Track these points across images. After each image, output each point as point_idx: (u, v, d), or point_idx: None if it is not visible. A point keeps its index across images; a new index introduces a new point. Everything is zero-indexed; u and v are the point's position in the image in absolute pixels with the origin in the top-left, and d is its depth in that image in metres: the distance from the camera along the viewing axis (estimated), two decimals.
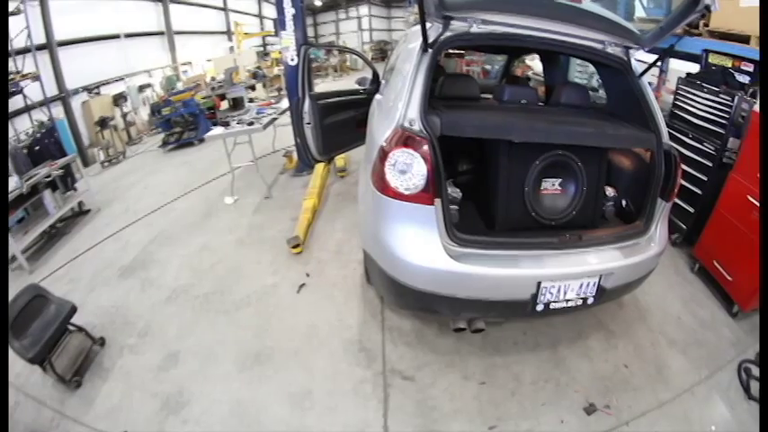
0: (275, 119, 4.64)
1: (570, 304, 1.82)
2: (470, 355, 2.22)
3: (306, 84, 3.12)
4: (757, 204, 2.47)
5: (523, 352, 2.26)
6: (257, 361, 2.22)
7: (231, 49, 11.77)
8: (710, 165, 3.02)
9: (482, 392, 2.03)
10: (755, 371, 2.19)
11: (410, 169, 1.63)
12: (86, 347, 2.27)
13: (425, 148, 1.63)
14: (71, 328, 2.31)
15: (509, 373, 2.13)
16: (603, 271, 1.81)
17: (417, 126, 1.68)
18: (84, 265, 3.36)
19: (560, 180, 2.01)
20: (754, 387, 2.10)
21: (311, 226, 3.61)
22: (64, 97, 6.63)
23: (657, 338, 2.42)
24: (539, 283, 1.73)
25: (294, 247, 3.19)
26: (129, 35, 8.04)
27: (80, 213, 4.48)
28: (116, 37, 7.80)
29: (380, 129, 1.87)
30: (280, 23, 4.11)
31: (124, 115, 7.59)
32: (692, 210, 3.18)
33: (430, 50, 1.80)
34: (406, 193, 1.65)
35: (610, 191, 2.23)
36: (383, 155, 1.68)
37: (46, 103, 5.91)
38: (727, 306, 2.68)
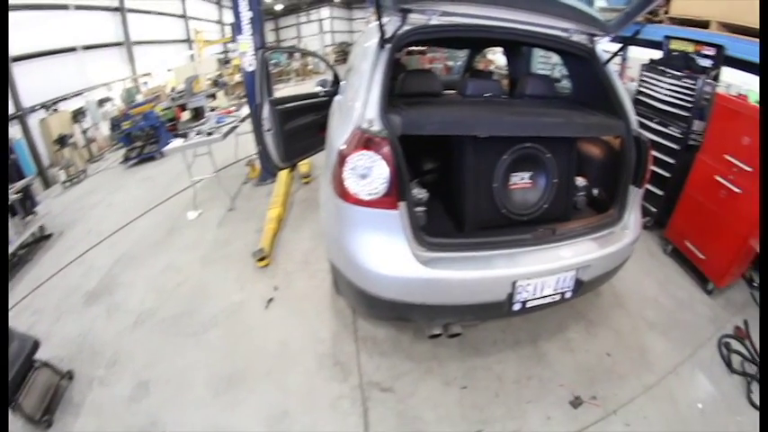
0: (235, 127, 4.48)
1: (548, 300, 1.78)
2: (449, 360, 2.15)
3: (264, 89, 2.98)
4: (726, 184, 2.50)
5: (504, 350, 2.20)
6: (230, 384, 2.11)
7: (192, 57, 11.43)
8: (677, 148, 3.08)
9: (464, 397, 1.96)
10: (735, 345, 2.24)
11: (371, 173, 1.53)
12: (54, 383, 2.14)
13: (386, 149, 1.53)
14: (36, 363, 2.14)
15: (491, 374, 2.06)
16: (580, 264, 1.77)
17: (377, 126, 1.58)
18: (49, 294, 3.19)
19: (530, 173, 1.95)
20: (735, 361, 2.14)
21: (277, 236, 3.50)
22: (21, 116, 6.27)
23: (637, 323, 2.41)
24: (514, 283, 1.67)
25: (260, 260, 3.07)
26: (86, 47, 7.67)
27: (42, 238, 4.22)
28: (73, 50, 7.43)
29: (339, 131, 1.77)
30: (237, 28, 3.96)
31: (84, 131, 7.24)
32: (661, 193, 3.22)
33: (388, 46, 1.70)
34: (368, 198, 1.55)
35: (581, 181, 2.20)
36: (342, 159, 1.57)
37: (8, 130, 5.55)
38: (702, 284, 2.71)
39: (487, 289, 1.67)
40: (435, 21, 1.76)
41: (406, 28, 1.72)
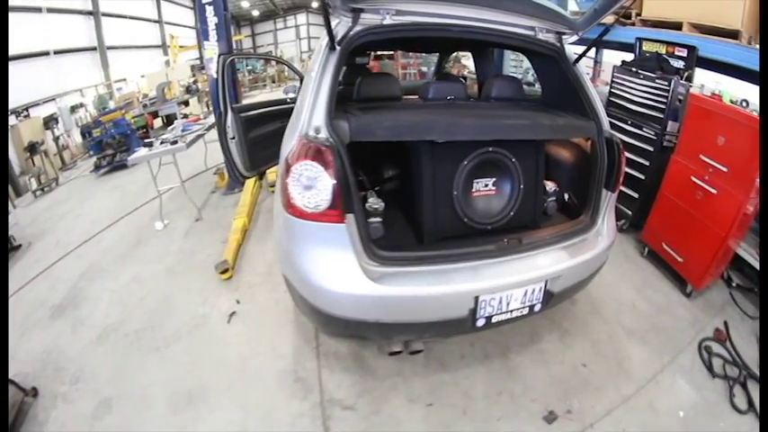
0: (201, 135, 4.37)
1: (516, 314, 1.68)
2: (414, 376, 2.04)
3: (226, 96, 2.88)
4: (701, 185, 2.46)
5: (472, 365, 2.10)
6: (190, 401, 2.03)
7: (168, 63, 11.22)
8: (651, 149, 3.04)
9: (431, 414, 1.85)
10: (716, 348, 2.18)
11: (315, 184, 1.42)
12: (18, 401, 2.08)
13: (330, 158, 1.42)
14: None
15: (458, 390, 1.95)
16: (549, 275, 1.67)
17: (324, 134, 1.47)
18: (15, 308, 3.08)
19: (494, 179, 1.85)
20: (717, 364, 2.08)
21: (241, 247, 3.41)
22: None
23: (614, 330, 2.33)
24: (476, 298, 1.56)
25: (223, 272, 2.97)
26: (58, 52, 7.44)
27: (11, 249, 4.07)
28: (45, 54, 7.19)
29: (287, 139, 1.67)
30: (203, 33, 3.86)
31: (56, 138, 7.02)
32: (636, 195, 3.18)
33: (338, 48, 1.59)
34: (313, 211, 1.44)
35: (550, 185, 2.11)
36: (286, 169, 1.47)
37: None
38: (681, 287, 2.65)
39: (447, 305, 1.57)
40: (389, 20, 1.64)
41: (357, 29, 1.60)
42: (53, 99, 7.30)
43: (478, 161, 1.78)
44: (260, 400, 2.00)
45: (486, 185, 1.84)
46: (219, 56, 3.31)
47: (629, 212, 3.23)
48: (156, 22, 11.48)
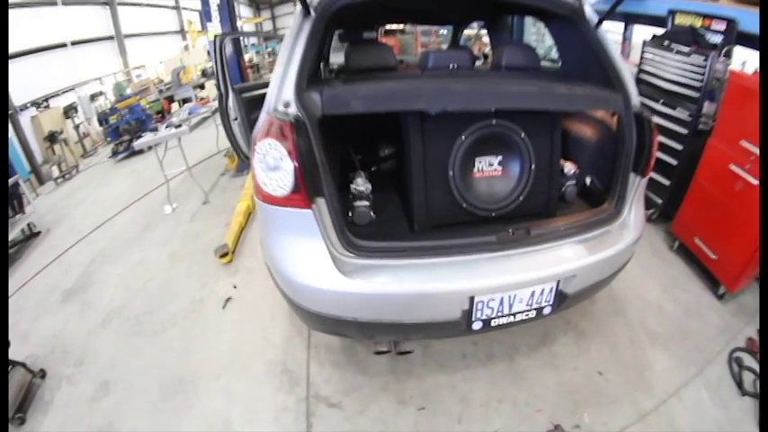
0: (207, 117, 4.32)
1: (520, 318, 1.48)
2: (408, 375, 1.91)
3: (226, 77, 2.79)
4: (741, 174, 2.18)
5: (473, 366, 1.94)
6: (180, 388, 2.04)
7: (186, 48, 11.27)
8: (685, 132, 2.75)
9: (421, 420, 1.72)
10: (747, 360, 1.93)
11: (280, 165, 1.28)
12: (26, 382, 2.19)
13: (290, 136, 1.27)
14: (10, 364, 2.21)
15: (455, 395, 1.81)
16: (562, 274, 1.44)
17: (293, 109, 1.33)
18: (31, 293, 3.27)
19: (499, 158, 1.63)
20: (747, 380, 1.84)
21: (244, 231, 3.39)
22: (12, 114, 6.25)
23: (637, 334, 2.12)
24: (472, 298, 1.38)
25: (222, 256, 2.96)
26: (76, 42, 7.59)
27: (31, 236, 4.27)
28: (63, 46, 7.35)
29: (262, 116, 1.54)
30: (205, 15, 3.78)
31: (76, 127, 7.19)
32: (667, 182, 2.90)
33: (313, 15, 1.43)
34: (278, 195, 1.31)
35: (569, 167, 1.87)
36: (254, 149, 1.35)
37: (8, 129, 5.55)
38: (713, 287, 2.40)
39: (434, 306, 1.39)
40: None
41: None
42: (72, 89, 7.47)
43: (479, 136, 1.56)
44: (247, 390, 1.96)
45: (491, 165, 1.62)
46: (215, 36, 3.23)
47: (659, 201, 2.96)
48: (173, 8, 11.57)
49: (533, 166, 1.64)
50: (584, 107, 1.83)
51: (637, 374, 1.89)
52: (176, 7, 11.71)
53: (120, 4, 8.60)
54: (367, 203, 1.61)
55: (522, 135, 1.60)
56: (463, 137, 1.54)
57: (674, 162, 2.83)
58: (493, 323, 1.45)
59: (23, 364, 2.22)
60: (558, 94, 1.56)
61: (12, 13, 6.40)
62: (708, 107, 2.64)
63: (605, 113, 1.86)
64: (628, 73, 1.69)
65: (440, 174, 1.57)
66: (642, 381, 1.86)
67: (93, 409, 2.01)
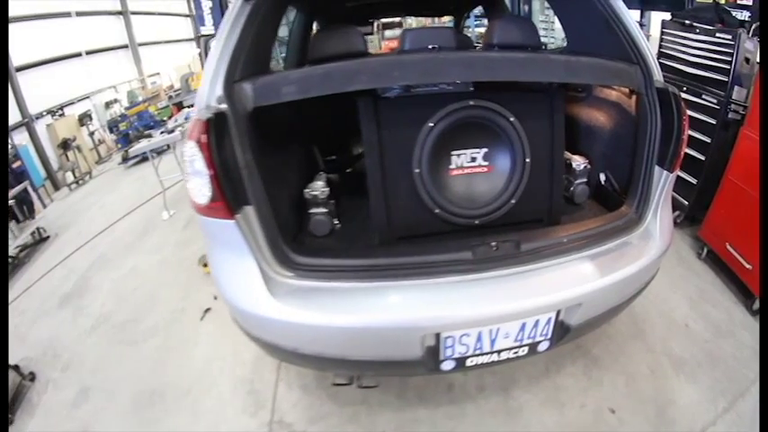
0: None
1: (506, 356, 1.19)
2: (383, 407, 1.69)
3: None
4: None
5: (460, 400, 1.69)
6: (151, 400, 2.00)
7: (200, 55, 11.45)
8: (713, 122, 2.46)
9: None
10: None
11: (198, 169, 1.11)
12: (16, 383, 2.22)
13: (203, 136, 1.07)
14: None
15: None
16: (564, 302, 1.14)
17: (225, 105, 1.16)
18: (34, 296, 3.35)
19: (484, 150, 1.34)
20: None
21: None
22: (27, 122, 6.45)
23: (659, 361, 1.83)
24: (438, 334, 1.10)
25: (205, 265, 2.88)
26: (90, 52, 7.78)
27: (41, 240, 4.38)
28: (78, 55, 7.56)
29: None
30: (198, 19, 3.73)
31: (91, 134, 7.35)
32: (694, 181, 2.60)
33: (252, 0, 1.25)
34: (201, 203, 1.14)
35: (578, 161, 1.60)
36: None
37: (8, 131, 5.71)
38: (746, 301, 2.11)
39: (385, 342, 1.12)
40: None
41: None
42: (87, 97, 7.65)
43: (453, 122, 1.29)
44: (212, 409, 1.88)
45: (473, 160, 1.34)
46: (199, 37, 3.15)
47: (685, 202, 2.67)
48: (187, 16, 11.83)
49: (528, 160, 1.35)
50: (591, 79, 1.52)
51: (656, 411, 1.62)
52: (190, 15, 11.98)
53: (133, 13, 8.79)
54: (324, 210, 1.41)
55: (512, 119, 1.31)
56: (431, 123, 1.28)
57: (701, 157, 2.54)
58: (469, 362, 1.18)
59: (16, 367, 2.25)
60: (553, 62, 1.27)
61: (27, 25, 6.59)
62: (738, 93, 2.34)
63: (621, 94, 1.56)
64: (646, 44, 1.40)
65: (402, 171, 1.31)
66: (663, 419, 1.59)
67: (72, 414, 2.01)
